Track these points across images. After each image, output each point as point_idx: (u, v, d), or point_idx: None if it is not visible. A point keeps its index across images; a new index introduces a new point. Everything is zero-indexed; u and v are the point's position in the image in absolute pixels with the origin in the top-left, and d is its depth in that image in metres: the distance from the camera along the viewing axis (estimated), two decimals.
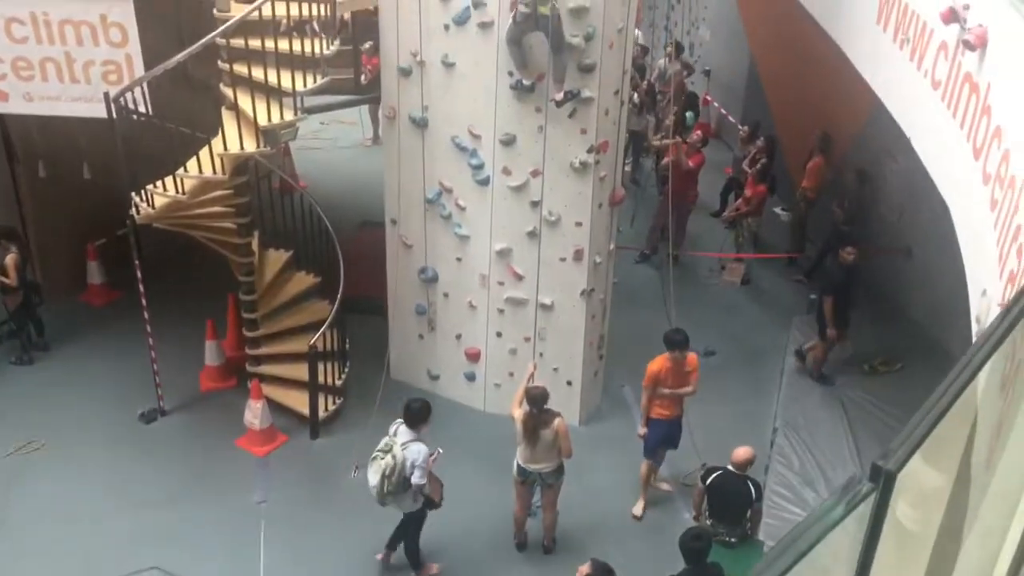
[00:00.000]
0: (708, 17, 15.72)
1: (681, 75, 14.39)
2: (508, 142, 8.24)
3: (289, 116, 7.85)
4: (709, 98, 15.44)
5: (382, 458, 6.86)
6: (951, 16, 5.98)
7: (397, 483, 6.86)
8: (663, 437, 8.20)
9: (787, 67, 13.03)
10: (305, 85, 7.82)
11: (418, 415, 6.92)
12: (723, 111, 15.30)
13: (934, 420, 2.19)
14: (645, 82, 13.46)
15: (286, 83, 7.75)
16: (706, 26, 15.85)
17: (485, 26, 7.88)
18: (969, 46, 5.67)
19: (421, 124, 8.51)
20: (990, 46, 5.57)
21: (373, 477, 6.90)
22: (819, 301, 9.92)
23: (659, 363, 7.90)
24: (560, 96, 7.83)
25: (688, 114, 13.61)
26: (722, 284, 12.07)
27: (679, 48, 14.52)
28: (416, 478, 6.84)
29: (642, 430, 8.18)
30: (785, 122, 13.35)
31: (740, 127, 13.69)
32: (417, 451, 6.83)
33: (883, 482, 2.04)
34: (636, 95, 12.92)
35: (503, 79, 8.02)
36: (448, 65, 8.16)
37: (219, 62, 8.01)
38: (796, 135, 12.85)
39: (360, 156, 14.60)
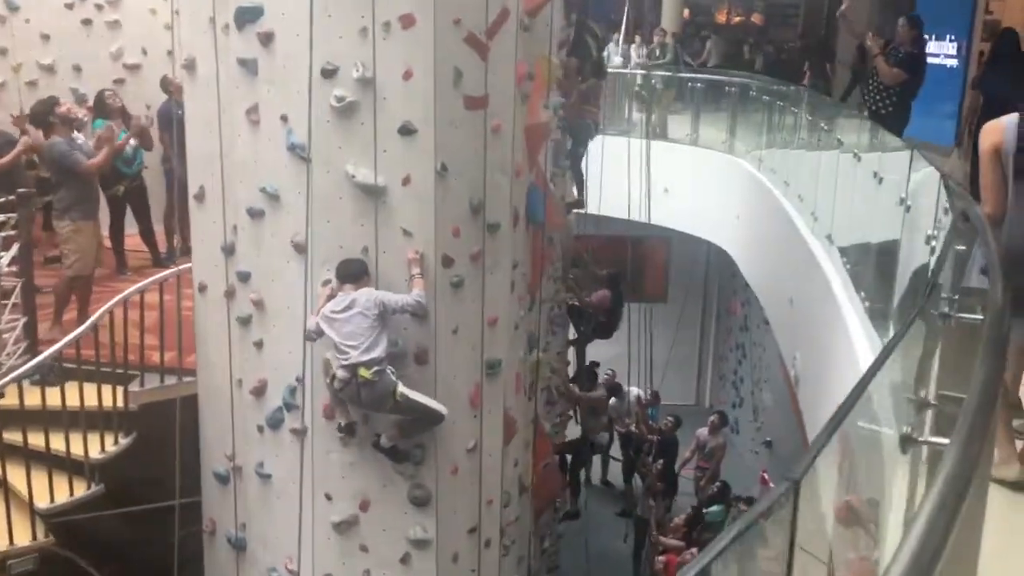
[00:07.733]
0: (769, 378, 13.38)
1: (723, 450, 11.99)
2: None
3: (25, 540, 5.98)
4: (767, 476, 12.67)
5: None
6: None
7: None
8: None
9: None
10: (53, 501, 6.03)
11: None
12: None
13: None
14: (660, 462, 10.97)
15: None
16: (768, 388, 13.48)
17: (298, 433, 5.98)
18: None
19: (238, 547, 6.48)
20: None
21: None
22: None
23: None
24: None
25: (713, 508, 10.71)
26: None
27: (723, 419, 12.25)
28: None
29: None
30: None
31: None
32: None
33: None
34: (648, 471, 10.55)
35: (320, 503, 5.98)
36: (263, 476, 6.23)
37: None
38: None
39: None
